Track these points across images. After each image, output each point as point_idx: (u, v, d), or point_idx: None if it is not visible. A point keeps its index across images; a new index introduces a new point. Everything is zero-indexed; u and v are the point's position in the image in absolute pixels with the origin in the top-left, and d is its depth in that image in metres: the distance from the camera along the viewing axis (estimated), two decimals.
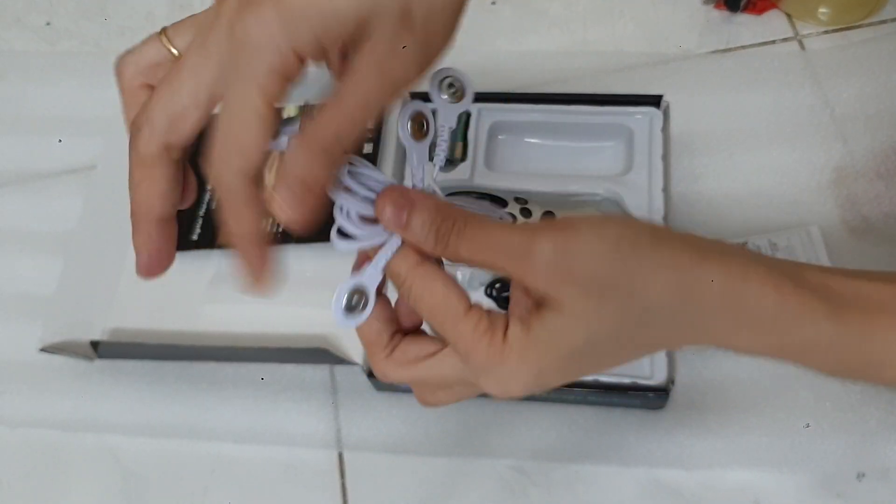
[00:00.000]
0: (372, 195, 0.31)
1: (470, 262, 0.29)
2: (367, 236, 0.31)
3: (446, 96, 0.32)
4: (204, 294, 0.59)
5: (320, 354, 0.54)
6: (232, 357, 0.58)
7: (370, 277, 0.31)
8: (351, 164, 0.30)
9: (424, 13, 0.29)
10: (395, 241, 0.31)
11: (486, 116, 0.60)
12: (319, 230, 0.62)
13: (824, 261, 0.55)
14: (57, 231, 0.65)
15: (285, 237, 0.59)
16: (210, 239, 0.61)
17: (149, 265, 0.32)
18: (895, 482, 0.50)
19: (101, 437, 0.57)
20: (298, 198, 0.29)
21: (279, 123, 0.31)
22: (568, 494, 0.51)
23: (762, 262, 0.29)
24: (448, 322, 0.30)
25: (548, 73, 0.67)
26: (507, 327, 0.29)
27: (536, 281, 0.28)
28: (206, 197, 0.63)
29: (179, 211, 0.67)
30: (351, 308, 0.31)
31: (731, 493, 0.50)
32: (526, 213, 0.55)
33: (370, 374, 0.52)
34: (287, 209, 0.30)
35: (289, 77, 0.29)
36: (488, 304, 0.53)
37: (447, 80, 0.33)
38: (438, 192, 0.32)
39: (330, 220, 0.61)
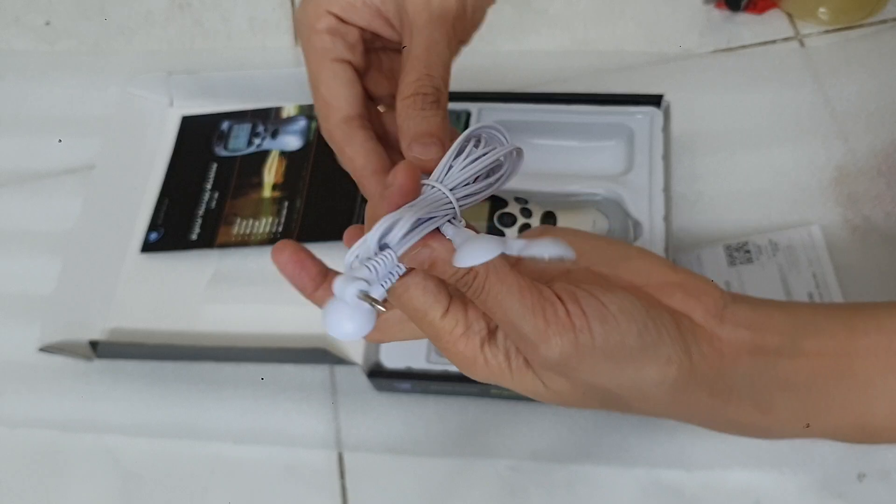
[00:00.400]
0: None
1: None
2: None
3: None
4: (203, 294, 0.59)
5: (320, 354, 0.54)
6: (231, 357, 0.58)
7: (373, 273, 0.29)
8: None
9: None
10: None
11: (485, 116, 0.60)
12: (319, 231, 0.62)
13: (825, 260, 0.55)
14: (56, 231, 0.65)
15: (285, 237, 0.59)
16: (209, 239, 0.61)
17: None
18: (895, 482, 0.49)
19: (100, 438, 0.57)
20: (429, 145, 0.30)
21: (357, 78, 0.34)
22: (568, 495, 0.51)
23: (752, 374, 0.29)
24: (430, 329, 0.30)
25: (548, 73, 0.67)
26: (492, 331, 0.30)
27: (536, 366, 0.29)
28: (205, 197, 0.63)
29: (179, 211, 0.67)
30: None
31: (732, 493, 0.50)
32: (526, 213, 0.55)
33: (370, 374, 0.52)
34: (424, 156, 0.30)
35: (342, 33, 0.33)
36: None
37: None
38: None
39: (330, 221, 0.61)
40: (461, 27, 0.33)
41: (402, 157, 0.31)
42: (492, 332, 0.30)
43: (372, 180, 0.32)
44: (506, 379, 0.30)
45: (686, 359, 0.28)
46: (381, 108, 0.36)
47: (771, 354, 0.29)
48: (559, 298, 0.27)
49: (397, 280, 0.29)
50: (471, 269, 0.27)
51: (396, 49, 0.36)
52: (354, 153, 0.32)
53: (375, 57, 0.36)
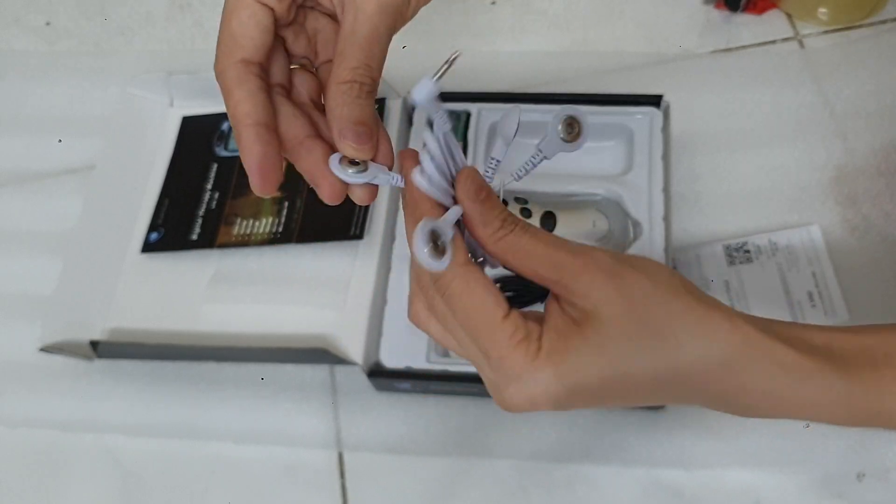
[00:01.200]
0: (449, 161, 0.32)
1: (519, 265, 0.30)
2: (435, 190, 0.31)
3: (563, 135, 0.35)
4: (203, 294, 0.59)
5: (320, 354, 0.54)
6: (232, 357, 0.58)
7: (446, 223, 0.30)
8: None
9: None
10: (458, 210, 0.31)
11: (485, 116, 0.60)
12: (319, 231, 0.62)
13: (824, 260, 0.55)
14: (56, 231, 0.65)
15: (285, 237, 0.59)
16: (210, 239, 0.61)
17: (261, 174, 0.32)
18: (895, 482, 0.50)
19: (101, 437, 0.57)
20: (359, 135, 0.31)
21: (271, 26, 0.33)
22: (568, 495, 0.51)
23: (771, 329, 0.30)
24: (484, 327, 0.30)
25: (548, 73, 0.67)
26: (541, 337, 0.29)
27: (594, 279, 0.29)
28: (206, 197, 0.63)
29: (180, 211, 0.67)
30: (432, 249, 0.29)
31: (731, 493, 0.50)
32: (526, 213, 0.55)
33: (370, 374, 0.52)
34: (357, 147, 0.31)
35: None
36: None
37: (568, 120, 0.35)
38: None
39: (330, 221, 0.61)
40: (401, 20, 0.33)
41: (303, 117, 0.33)
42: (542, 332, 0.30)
43: (251, 130, 0.31)
44: (569, 369, 0.29)
45: (715, 300, 0.30)
46: (292, 66, 0.36)
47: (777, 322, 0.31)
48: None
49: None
50: (508, 215, 0.30)
51: (326, 13, 0.35)
52: (242, 98, 0.31)
53: (301, 13, 0.35)
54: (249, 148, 0.31)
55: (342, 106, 0.30)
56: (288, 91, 0.34)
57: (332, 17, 0.35)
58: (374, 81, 0.31)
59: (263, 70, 0.32)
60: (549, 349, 0.29)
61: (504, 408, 0.31)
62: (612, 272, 0.29)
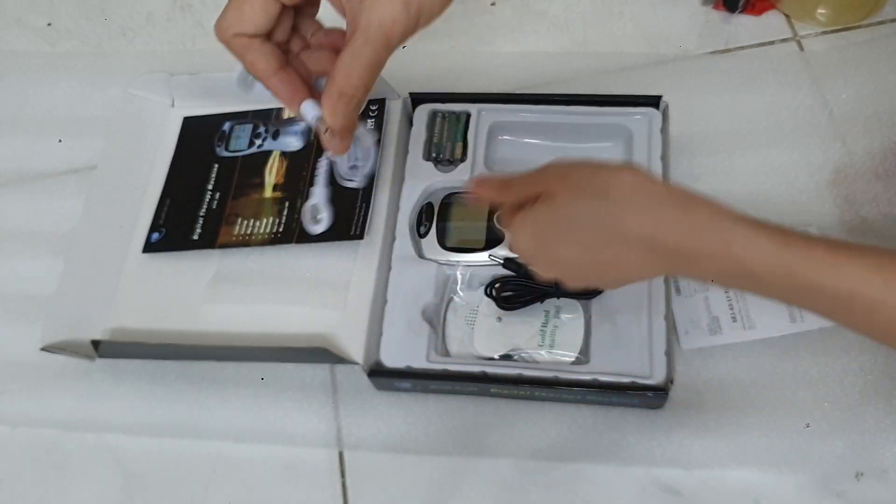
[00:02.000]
0: None
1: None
2: None
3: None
4: (204, 294, 0.60)
5: (320, 354, 0.54)
6: (232, 357, 0.58)
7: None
8: None
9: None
10: None
11: (485, 117, 0.60)
12: (320, 232, 0.63)
13: None
14: (57, 231, 0.65)
15: (286, 237, 0.60)
16: (211, 239, 0.61)
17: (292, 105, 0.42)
18: (893, 481, 0.50)
19: (102, 437, 0.57)
20: (341, 138, 0.42)
21: (276, 13, 0.40)
22: (568, 493, 0.52)
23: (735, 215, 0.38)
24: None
25: (548, 74, 0.68)
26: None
27: (547, 181, 0.39)
28: (207, 197, 0.63)
29: (181, 212, 0.68)
30: None
31: (730, 492, 0.51)
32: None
33: (370, 374, 0.52)
34: (337, 147, 0.42)
35: None
36: (487, 302, 0.54)
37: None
38: None
39: (334, 220, 0.61)
40: (397, 46, 0.38)
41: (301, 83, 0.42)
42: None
43: (274, 79, 0.41)
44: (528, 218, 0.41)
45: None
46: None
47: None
48: None
49: None
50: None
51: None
52: (255, 58, 0.40)
53: None
54: (277, 92, 0.41)
55: (340, 115, 0.39)
56: (287, 42, 0.42)
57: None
58: (365, 96, 0.39)
59: (265, 36, 0.40)
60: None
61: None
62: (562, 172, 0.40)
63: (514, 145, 0.62)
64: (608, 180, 0.38)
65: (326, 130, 0.40)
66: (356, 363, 0.53)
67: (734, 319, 0.54)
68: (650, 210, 0.37)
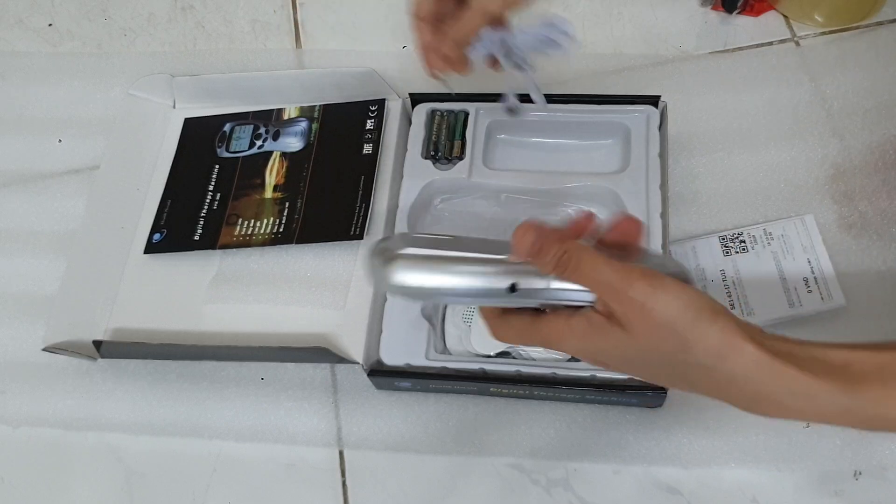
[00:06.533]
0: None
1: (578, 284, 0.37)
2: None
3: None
4: (205, 294, 0.60)
5: (321, 353, 0.54)
6: (233, 356, 0.58)
7: None
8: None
9: None
10: None
11: (484, 115, 0.60)
12: (320, 231, 0.63)
13: (819, 247, 0.55)
14: (59, 231, 0.66)
15: (286, 238, 0.60)
16: (212, 240, 0.61)
17: (424, 55, 0.50)
18: (892, 480, 0.50)
19: (104, 436, 0.58)
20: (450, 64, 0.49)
21: None
22: (566, 492, 0.52)
23: (793, 350, 0.34)
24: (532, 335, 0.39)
25: (547, 74, 0.68)
26: (571, 314, 0.37)
27: (620, 308, 0.35)
28: (208, 198, 0.64)
29: (182, 212, 0.68)
30: None
31: (728, 491, 0.51)
32: None
33: (371, 373, 0.53)
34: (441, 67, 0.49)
35: None
36: None
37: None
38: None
39: (331, 221, 0.62)
40: None
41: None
42: (572, 313, 0.37)
43: (418, 22, 0.49)
44: (588, 335, 0.36)
45: (733, 318, 0.35)
46: None
47: (799, 343, 0.35)
48: (637, 266, 0.36)
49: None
50: (567, 249, 0.36)
51: None
52: (419, 5, 0.48)
53: None
54: (418, 35, 0.49)
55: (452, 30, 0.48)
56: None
57: None
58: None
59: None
60: (578, 326, 0.37)
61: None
62: (647, 297, 0.34)
63: (512, 143, 0.62)
64: (695, 340, 0.35)
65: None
66: (356, 362, 0.53)
67: (732, 307, 0.54)
68: (730, 382, 0.35)
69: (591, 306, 0.37)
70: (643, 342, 0.35)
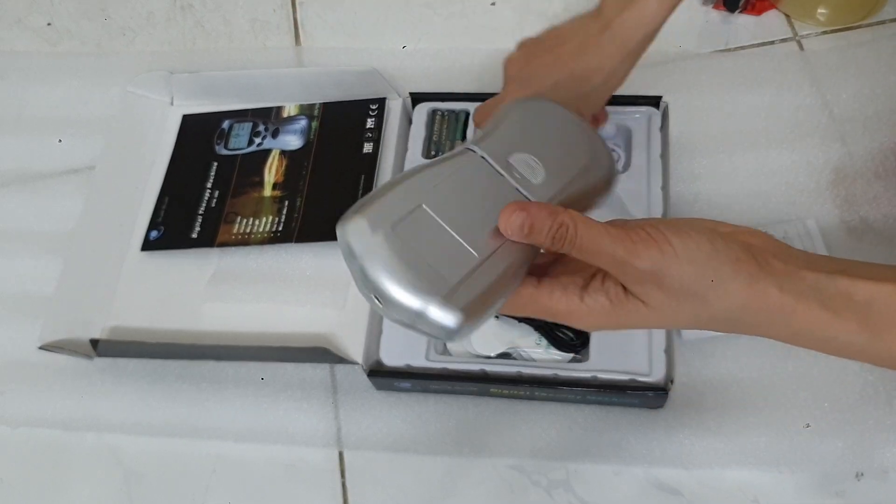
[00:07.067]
0: None
1: (581, 259, 0.35)
2: None
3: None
4: (204, 292, 0.60)
5: (320, 354, 0.54)
6: (232, 356, 0.58)
7: None
8: None
9: None
10: None
11: None
12: (319, 230, 0.63)
13: (820, 249, 0.55)
14: (57, 230, 0.65)
15: (286, 236, 0.60)
16: (210, 237, 0.61)
17: None
18: (894, 482, 0.50)
19: (102, 436, 0.57)
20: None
21: None
22: (567, 493, 0.52)
23: (818, 285, 0.33)
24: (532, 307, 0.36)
25: None
26: (585, 287, 0.35)
27: (632, 284, 0.34)
28: (206, 196, 0.63)
29: (180, 210, 0.67)
30: None
31: (730, 492, 0.51)
32: None
33: (370, 373, 0.52)
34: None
35: None
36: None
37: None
38: None
39: (330, 220, 0.61)
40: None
41: None
42: (585, 284, 0.35)
43: None
44: (609, 316, 0.35)
45: (752, 260, 0.33)
46: None
47: (830, 272, 0.34)
48: (640, 227, 0.34)
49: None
50: (562, 223, 0.33)
51: None
52: None
53: None
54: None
55: None
56: None
57: None
58: None
59: None
60: (597, 305, 0.35)
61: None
62: (654, 264, 0.33)
63: None
64: (717, 299, 0.34)
65: None
66: (356, 363, 0.53)
67: None
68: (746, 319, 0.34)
69: (603, 277, 0.35)
70: (666, 312, 0.34)
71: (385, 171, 0.60)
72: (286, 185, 0.62)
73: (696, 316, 0.34)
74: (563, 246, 0.34)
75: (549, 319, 0.36)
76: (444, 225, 0.34)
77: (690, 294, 0.33)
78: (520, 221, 0.34)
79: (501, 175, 0.36)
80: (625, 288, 0.34)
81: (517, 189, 0.36)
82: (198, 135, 0.67)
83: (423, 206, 0.34)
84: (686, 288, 0.33)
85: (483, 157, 0.36)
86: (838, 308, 0.33)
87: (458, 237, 0.34)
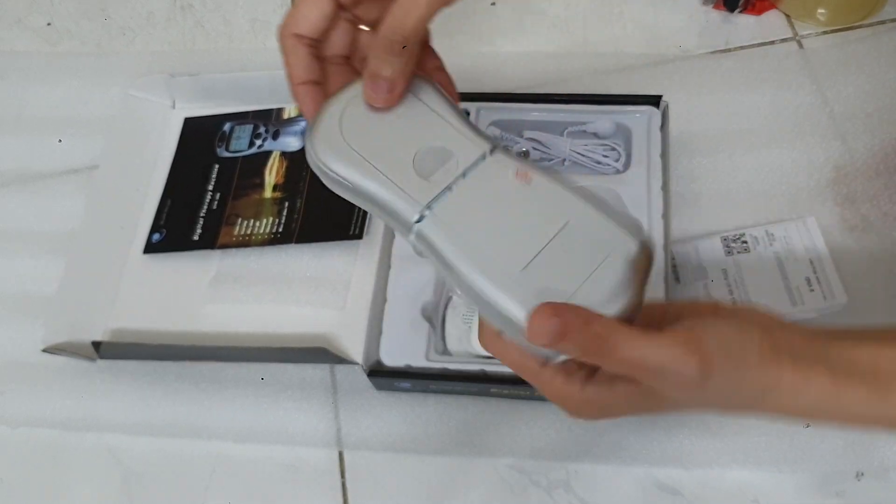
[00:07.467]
0: None
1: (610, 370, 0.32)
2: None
3: None
4: (205, 294, 0.60)
5: (320, 354, 0.54)
6: (232, 357, 0.58)
7: None
8: None
9: None
10: None
11: (484, 116, 0.60)
12: (319, 231, 0.63)
13: (821, 248, 0.55)
14: (58, 231, 0.65)
15: (286, 237, 0.60)
16: (211, 239, 0.61)
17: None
18: (894, 481, 0.50)
19: (102, 437, 0.57)
20: (385, 88, 0.35)
21: (331, 13, 0.37)
22: (567, 494, 0.52)
23: (822, 353, 0.33)
24: (529, 376, 0.35)
25: (547, 74, 0.68)
26: (585, 379, 0.33)
27: (671, 391, 0.32)
28: (207, 198, 0.63)
29: (181, 212, 0.68)
30: None
31: (730, 492, 0.51)
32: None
33: (370, 373, 0.52)
34: (378, 96, 0.36)
35: None
36: None
37: None
38: None
39: (330, 221, 0.61)
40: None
41: (354, 75, 0.38)
42: (590, 374, 0.33)
43: (300, 88, 0.39)
44: (606, 407, 0.34)
45: (768, 340, 0.32)
46: (365, 28, 0.39)
47: (827, 340, 0.33)
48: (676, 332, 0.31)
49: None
50: (593, 333, 0.30)
51: None
52: (294, 64, 0.39)
53: None
54: (301, 101, 0.38)
55: (373, 58, 0.35)
56: (348, 58, 0.39)
57: None
58: (407, 40, 0.34)
59: (317, 42, 0.38)
60: (594, 393, 0.33)
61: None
62: (688, 387, 0.31)
63: (512, 143, 0.62)
64: (743, 387, 0.32)
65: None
66: (356, 363, 0.53)
67: (734, 304, 0.54)
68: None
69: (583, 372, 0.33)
70: (691, 402, 0.32)
71: None
72: (286, 186, 0.62)
73: (714, 405, 0.33)
74: (595, 356, 0.31)
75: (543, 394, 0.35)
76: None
77: (721, 390, 0.31)
78: (554, 326, 0.30)
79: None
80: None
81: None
82: (199, 137, 0.67)
83: None
84: (721, 388, 0.31)
85: None
86: (846, 375, 0.32)
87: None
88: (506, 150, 0.35)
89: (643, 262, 0.32)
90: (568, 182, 0.34)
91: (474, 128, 0.35)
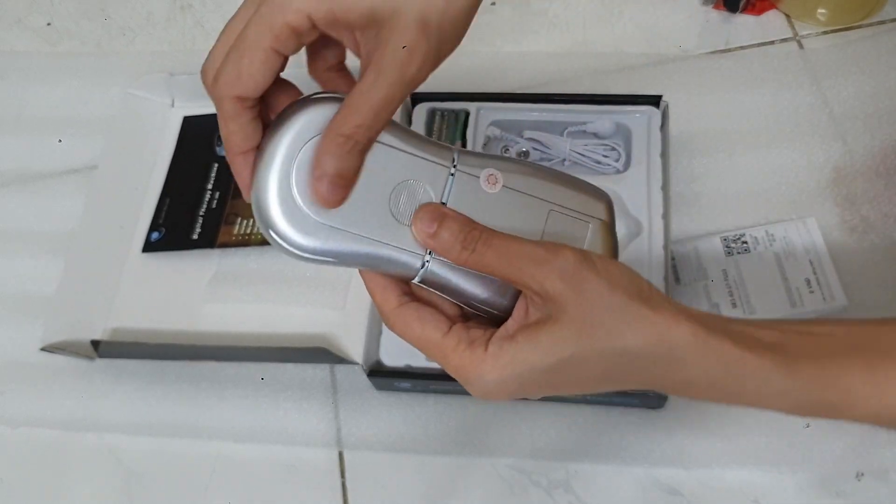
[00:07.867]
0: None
1: (493, 270, 0.32)
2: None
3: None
4: (204, 293, 0.60)
5: (320, 354, 0.54)
6: (232, 357, 0.58)
7: None
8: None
9: (438, 20, 0.32)
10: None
11: (484, 115, 0.60)
12: None
13: (821, 249, 0.55)
14: (58, 231, 0.65)
15: None
16: (210, 239, 0.61)
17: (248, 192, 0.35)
18: (894, 482, 0.50)
19: (102, 437, 0.57)
20: (336, 186, 0.32)
21: (279, 70, 0.33)
22: (567, 494, 0.52)
23: (721, 327, 0.32)
24: (432, 347, 0.33)
25: (547, 74, 0.68)
26: (488, 341, 0.32)
27: (554, 281, 0.31)
28: (206, 197, 0.63)
29: (181, 211, 0.68)
30: None
31: (730, 492, 0.51)
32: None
33: (370, 373, 0.52)
34: (328, 197, 0.32)
35: (299, 35, 0.32)
36: None
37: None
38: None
39: None
40: (414, 88, 0.33)
41: None
42: (492, 335, 0.33)
43: (240, 159, 0.33)
44: (511, 377, 0.32)
45: (663, 296, 0.32)
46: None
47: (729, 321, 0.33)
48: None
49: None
50: (472, 228, 0.32)
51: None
52: (235, 132, 0.33)
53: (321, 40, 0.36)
54: (238, 172, 0.33)
55: (331, 155, 0.31)
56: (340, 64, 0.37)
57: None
58: (371, 140, 0.32)
59: (259, 102, 0.33)
60: (494, 350, 0.32)
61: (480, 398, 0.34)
62: (572, 278, 0.31)
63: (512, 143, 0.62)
64: (632, 337, 0.32)
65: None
66: (356, 363, 0.53)
67: (734, 305, 0.54)
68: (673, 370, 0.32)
69: (489, 332, 0.32)
70: (577, 338, 0.31)
71: None
72: None
73: (606, 351, 0.31)
74: (474, 251, 0.32)
75: (453, 375, 0.33)
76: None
77: (601, 322, 0.31)
78: (429, 220, 0.32)
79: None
80: (528, 325, 0.32)
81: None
82: (198, 136, 0.67)
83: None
84: (600, 310, 0.31)
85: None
86: (749, 345, 0.32)
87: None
88: (463, 151, 0.34)
89: (610, 215, 0.35)
90: (529, 167, 0.34)
91: (427, 142, 0.33)
